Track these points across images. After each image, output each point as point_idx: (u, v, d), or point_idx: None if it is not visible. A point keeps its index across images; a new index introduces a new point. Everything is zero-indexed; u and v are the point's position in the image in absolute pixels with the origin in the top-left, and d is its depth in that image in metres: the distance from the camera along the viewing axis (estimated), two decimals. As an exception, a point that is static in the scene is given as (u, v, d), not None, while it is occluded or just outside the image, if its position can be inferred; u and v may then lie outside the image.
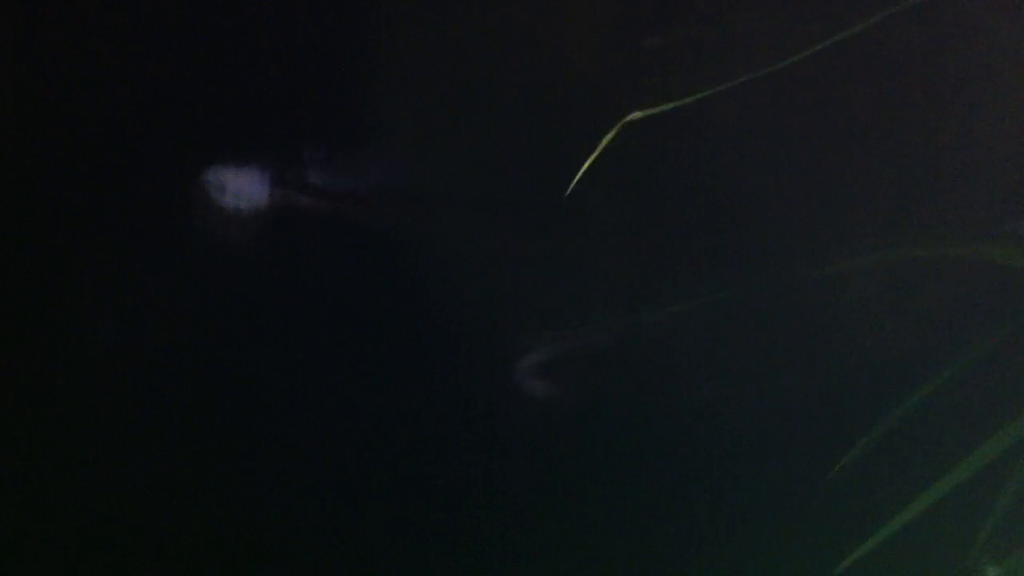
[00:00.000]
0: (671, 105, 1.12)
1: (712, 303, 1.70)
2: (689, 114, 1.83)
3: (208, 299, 1.95)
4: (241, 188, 1.98)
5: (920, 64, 1.68)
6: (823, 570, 1.48)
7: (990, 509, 1.41)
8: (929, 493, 1.35)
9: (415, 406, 1.96)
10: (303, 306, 1.96)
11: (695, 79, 1.31)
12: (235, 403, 1.96)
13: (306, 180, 1.97)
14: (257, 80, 1.92)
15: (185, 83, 1.93)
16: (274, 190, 1.98)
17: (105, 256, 1.95)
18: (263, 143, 1.94)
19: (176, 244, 1.95)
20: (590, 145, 1.19)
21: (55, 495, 1.95)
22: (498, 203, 1.89)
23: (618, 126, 1.12)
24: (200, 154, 1.94)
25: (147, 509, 1.95)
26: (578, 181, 1.16)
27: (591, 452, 1.92)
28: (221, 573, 1.95)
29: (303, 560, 1.95)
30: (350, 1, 1.87)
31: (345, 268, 1.94)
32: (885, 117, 1.78)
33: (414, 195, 1.90)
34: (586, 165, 1.12)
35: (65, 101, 1.92)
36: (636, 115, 1.11)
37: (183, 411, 1.95)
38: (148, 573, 1.94)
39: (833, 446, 1.74)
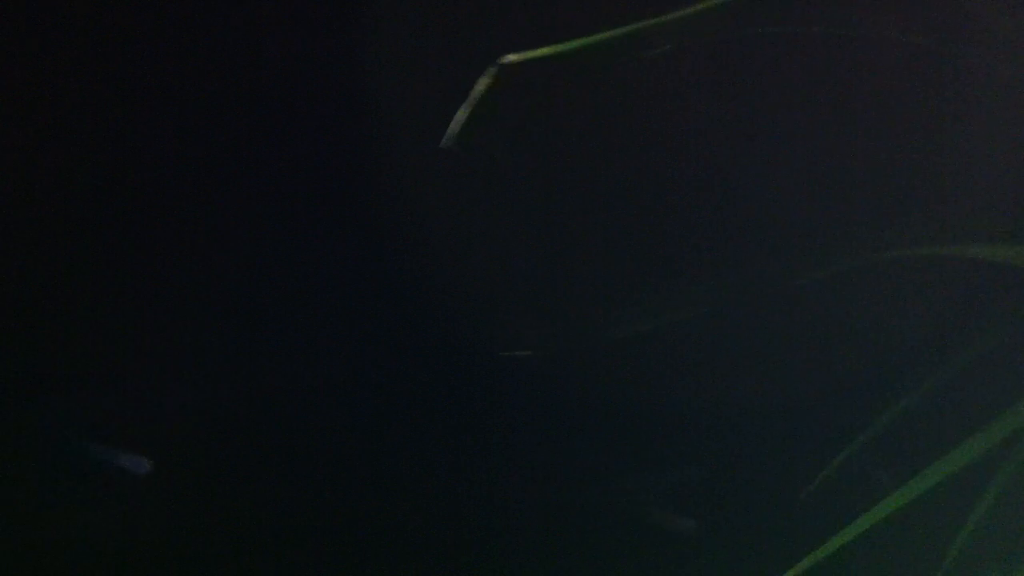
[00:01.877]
0: (554, 49, 1.03)
1: (706, 310, 1.64)
2: (668, 110, 1.79)
3: (209, 298, 1.94)
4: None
5: (916, 57, 1.61)
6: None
7: (962, 521, 1.31)
8: (901, 493, 1.25)
9: (406, 407, 1.93)
10: (303, 305, 1.94)
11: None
12: (235, 403, 1.93)
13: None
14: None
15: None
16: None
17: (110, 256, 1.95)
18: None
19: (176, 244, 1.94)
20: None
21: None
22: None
23: (491, 69, 1.04)
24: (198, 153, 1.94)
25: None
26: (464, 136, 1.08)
27: (590, 450, 1.88)
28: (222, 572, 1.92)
29: (304, 560, 1.91)
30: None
31: (335, 263, 1.92)
32: (880, 109, 1.73)
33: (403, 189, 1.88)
34: (461, 113, 1.04)
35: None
36: (512, 57, 1.03)
37: (181, 404, 1.93)
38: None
39: (833, 447, 1.68)
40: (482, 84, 1.04)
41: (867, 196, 1.75)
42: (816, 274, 1.50)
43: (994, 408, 1.37)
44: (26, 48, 1.88)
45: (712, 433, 1.83)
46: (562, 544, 1.86)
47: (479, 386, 1.89)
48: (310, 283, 1.94)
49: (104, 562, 1.89)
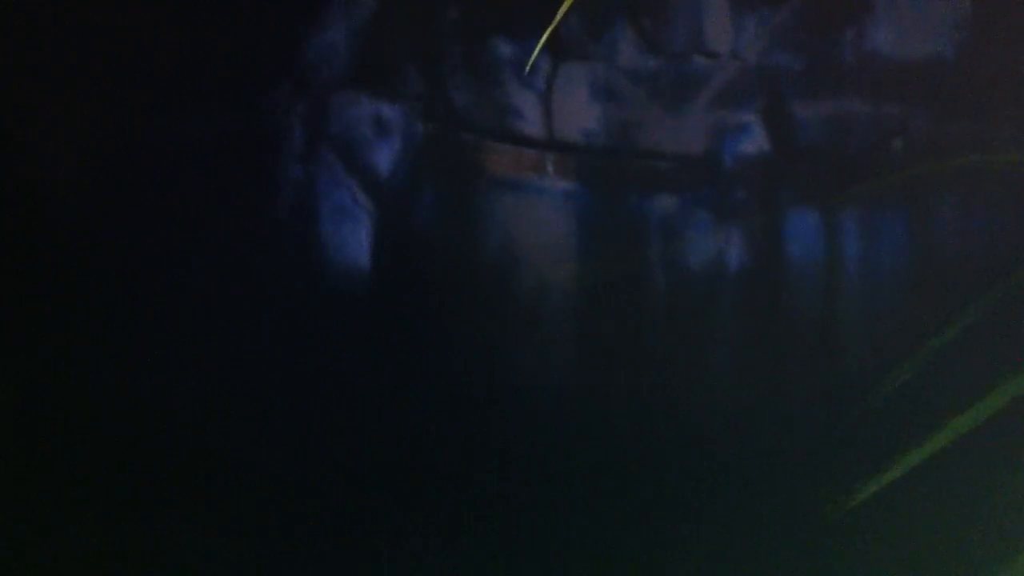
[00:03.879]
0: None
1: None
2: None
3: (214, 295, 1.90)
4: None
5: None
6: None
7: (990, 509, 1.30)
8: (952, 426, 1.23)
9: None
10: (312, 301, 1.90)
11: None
12: (239, 402, 1.91)
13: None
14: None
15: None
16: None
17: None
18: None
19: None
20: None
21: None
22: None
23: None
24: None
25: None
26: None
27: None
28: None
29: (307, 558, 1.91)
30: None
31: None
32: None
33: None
34: (546, 34, 0.99)
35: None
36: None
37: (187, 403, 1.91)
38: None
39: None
40: (565, 6, 0.99)
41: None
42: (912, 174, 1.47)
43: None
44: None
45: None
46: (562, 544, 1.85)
47: (479, 385, 1.86)
48: (310, 282, 1.89)
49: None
